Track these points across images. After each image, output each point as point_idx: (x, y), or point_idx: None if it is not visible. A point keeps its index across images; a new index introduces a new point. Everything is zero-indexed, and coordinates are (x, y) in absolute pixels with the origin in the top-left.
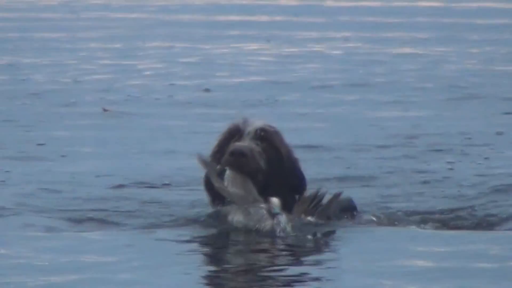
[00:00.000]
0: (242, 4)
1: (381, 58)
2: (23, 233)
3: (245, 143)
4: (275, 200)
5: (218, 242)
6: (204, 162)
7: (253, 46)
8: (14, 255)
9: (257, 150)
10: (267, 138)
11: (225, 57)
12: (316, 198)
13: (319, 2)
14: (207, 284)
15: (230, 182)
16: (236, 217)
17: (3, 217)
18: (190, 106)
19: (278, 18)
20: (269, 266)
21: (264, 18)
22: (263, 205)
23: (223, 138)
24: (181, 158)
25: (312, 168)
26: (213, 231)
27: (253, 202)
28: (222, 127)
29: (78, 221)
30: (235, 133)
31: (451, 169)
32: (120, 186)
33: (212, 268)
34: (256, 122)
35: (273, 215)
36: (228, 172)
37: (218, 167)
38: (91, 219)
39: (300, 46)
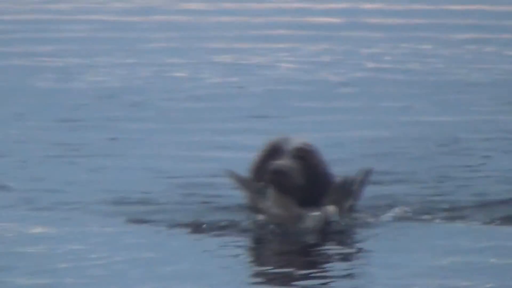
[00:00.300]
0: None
1: None
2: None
3: (285, 162)
4: (332, 209)
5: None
6: (240, 180)
7: None
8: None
9: (296, 168)
10: (306, 157)
11: None
12: (346, 184)
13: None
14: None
15: (272, 200)
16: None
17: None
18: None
19: None
20: (306, 263)
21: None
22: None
23: (264, 155)
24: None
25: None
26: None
27: (292, 218)
28: None
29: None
30: (275, 150)
31: None
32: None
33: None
34: (295, 140)
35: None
36: (270, 191)
37: (258, 184)
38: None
39: None
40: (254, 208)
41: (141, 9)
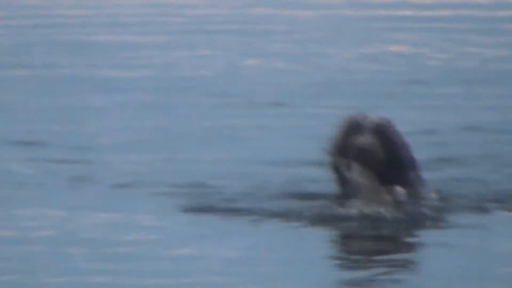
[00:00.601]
0: None
1: None
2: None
3: (367, 139)
4: (400, 190)
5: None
6: (333, 157)
7: None
8: None
9: (378, 144)
10: (385, 132)
11: None
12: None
13: None
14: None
15: (357, 174)
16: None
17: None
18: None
19: None
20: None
21: None
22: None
23: (344, 131)
24: None
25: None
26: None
27: (378, 192)
28: None
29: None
30: (354, 127)
31: None
32: None
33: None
34: (373, 117)
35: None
36: (354, 165)
37: (344, 161)
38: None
39: None
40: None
41: None
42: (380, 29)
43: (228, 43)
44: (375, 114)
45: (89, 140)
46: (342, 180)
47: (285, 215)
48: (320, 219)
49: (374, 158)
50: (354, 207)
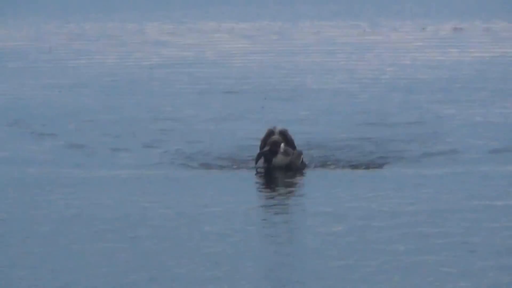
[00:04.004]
0: None
1: None
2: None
3: (276, 137)
4: (283, 146)
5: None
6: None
7: None
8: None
9: (281, 139)
10: (284, 133)
11: None
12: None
13: None
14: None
15: (282, 149)
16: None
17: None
18: None
19: None
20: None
21: None
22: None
23: (266, 135)
24: None
25: None
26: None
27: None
28: None
29: None
30: (270, 133)
31: None
32: None
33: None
34: (278, 127)
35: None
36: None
37: (266, 148)
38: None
39: None
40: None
41: None
42: None
43: None
44: (280, 127)
45: None
46: (263, 155)
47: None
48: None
49: (278, 144)
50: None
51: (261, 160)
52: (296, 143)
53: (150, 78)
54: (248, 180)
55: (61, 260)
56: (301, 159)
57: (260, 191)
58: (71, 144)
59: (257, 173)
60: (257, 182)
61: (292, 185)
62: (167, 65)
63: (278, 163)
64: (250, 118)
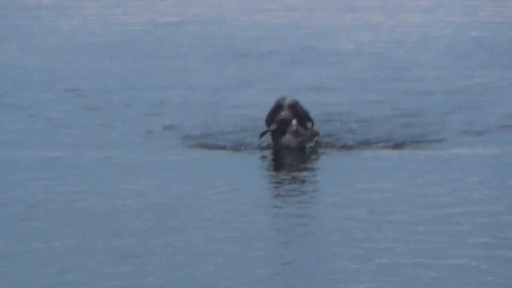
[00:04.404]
0: None
1: None
2: None
3: (285, 112)
4: (294, 122)
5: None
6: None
7: None
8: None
9: (290, 115)
10: (294, 107)
11: None
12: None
13: None
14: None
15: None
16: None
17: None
18: None
19: None
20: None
21: None
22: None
23: (273, 109)
24: None
25: None
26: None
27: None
28: None
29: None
30: (278, 106)
31: None
32: None
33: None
34: (288, 99)
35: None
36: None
37: (272, 127)
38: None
39: None
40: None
41: None
42: None
43: None
44: (289, 98)
45: None
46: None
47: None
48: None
49: (288, 122)
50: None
51: (268, 135)
52: (313, 115)
53: (151, 39)
54: (252, 163)
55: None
56: (314, 141)
57: (265, 176)
58: (48, 118)
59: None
60: (261, 166)
61: (304, 169)
62: (171, 24)
63: (286, 144)
64: (263, 86)
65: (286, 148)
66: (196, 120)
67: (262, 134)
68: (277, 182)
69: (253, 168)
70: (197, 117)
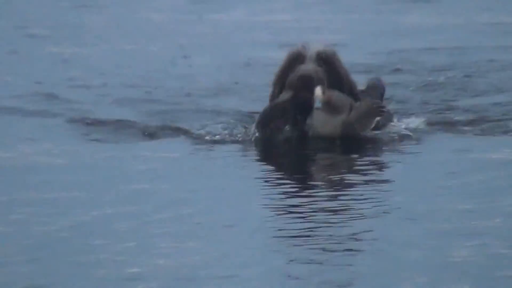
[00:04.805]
0: None
1: None
2: None
3: (309, 67)
4: (317, 89)
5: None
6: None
7: None
8: None
9: (321, 72)
10: (328, 60)
11: None
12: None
13: None
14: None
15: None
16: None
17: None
18: None
19: None
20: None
21: None
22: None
23: (286, 63)
24: None
25: None
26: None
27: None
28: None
29: None
30: (297, 57)
31: None
32: None
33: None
34: (316, 45)
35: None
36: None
37: (283, 97)
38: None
39: None
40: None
41: None
42: None
43: None
44: (318, 43)
45: None
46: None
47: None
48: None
49: (314, 82)
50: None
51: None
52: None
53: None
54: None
55: None
56: (375, 121)
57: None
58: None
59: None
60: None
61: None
62: None
63: (318, 130)
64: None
65: (319, 139)
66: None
67: (264, 118)
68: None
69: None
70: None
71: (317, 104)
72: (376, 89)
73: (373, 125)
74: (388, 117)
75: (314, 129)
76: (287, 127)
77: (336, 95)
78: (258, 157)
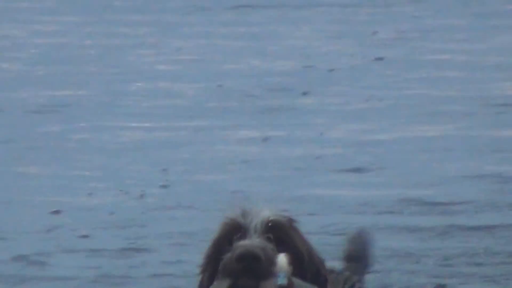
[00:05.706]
0: None
1: None
2: None
3: (253, 242)
4: (281, 258)
5: None
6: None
7: None
8: None
9: (270, 249)
10: (281, 232)
11: None
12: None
13: None
14: None
15: None
16: None
17: None
18: None
19: None
20: None
21: None
22: None
23: (219, 238)
24: None
25: None
26: None
27: None
28: None
29: None
30: (233, 230)
31: None
32: None
33: None
34: (262, 211)
35: None
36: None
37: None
38: None
39: None
40: None
41: None
42: None
43: None
44: (265, 208)
45: None
46: None
47: None
48: None
49: (266, 267)
50: None
51: None
52: None
53: None
54: None
55: None
56: None
57: None
58: None
59: None
60: None
61: None
62: None
63: None
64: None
65: None
66: None
67: None
68: None
69: None
70: None
71: (281, 280)
72: (359, 258)
73: None
74: None
75: None
76: None
77: (297, 285)
78: None
